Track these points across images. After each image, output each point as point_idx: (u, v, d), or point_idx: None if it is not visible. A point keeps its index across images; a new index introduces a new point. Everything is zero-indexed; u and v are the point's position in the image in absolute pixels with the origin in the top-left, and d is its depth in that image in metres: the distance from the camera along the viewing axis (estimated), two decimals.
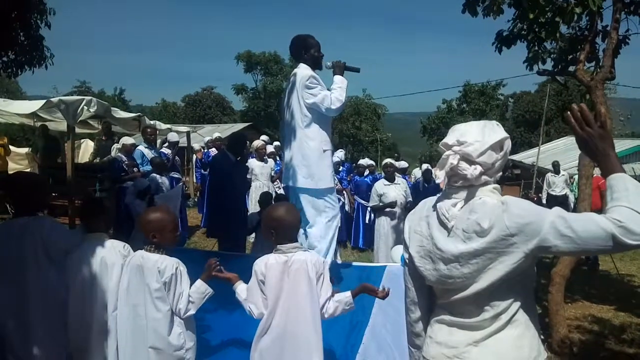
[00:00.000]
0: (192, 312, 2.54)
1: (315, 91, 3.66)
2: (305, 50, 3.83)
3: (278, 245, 2.43)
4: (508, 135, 1.60)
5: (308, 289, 2.36)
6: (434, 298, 1.72)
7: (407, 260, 1.75)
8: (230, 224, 4.95)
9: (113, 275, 2.66)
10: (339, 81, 3.76)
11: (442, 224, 1.59)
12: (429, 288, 1.70)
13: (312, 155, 3.71)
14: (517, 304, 1.55)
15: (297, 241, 2.48)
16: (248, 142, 9.43)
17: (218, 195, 5.21)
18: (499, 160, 1.58)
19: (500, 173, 1.62)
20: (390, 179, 6.69)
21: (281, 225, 2.42)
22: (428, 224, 1.65)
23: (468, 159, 1.56)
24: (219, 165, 5.39)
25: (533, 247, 1.45)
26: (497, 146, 1.57)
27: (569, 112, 1.52)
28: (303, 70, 3.76)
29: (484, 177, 1.57)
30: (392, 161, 7.16)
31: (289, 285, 2.36)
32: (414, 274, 1.72)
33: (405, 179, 7.99)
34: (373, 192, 6.73)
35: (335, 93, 3.68)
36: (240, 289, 2.52)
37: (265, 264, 2.40)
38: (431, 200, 1.73)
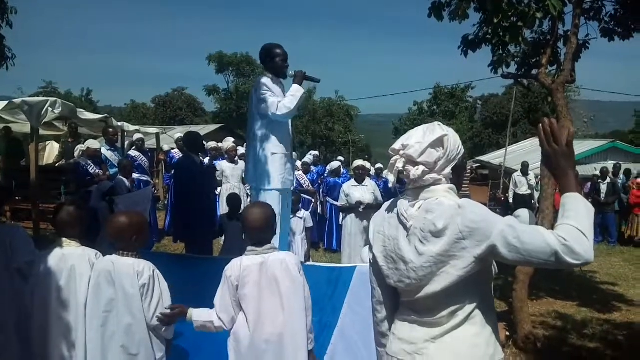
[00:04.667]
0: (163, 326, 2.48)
1: (265, 97, 3.89)
2: (270, 58, 4.05)
3: (250, 247, 2.40)
4: (447, 133, 1.64)
5: (293, 288, 2.34)
6: (398, 297, 1.75)
7: (371, 261, 1.78)
8: (197, 227, 4.90)
9: (82, 284, 2.57)
10: (294, 90, 3.94)
11: (402, 224, 1.63)
12: (394, 288, 1.72)
13: (258, 155, 3.98)
14: (474, 303, 1.59)
15: (270, 242, 2.45)
16: (219, 143, 9.40)
17: (185, 198, 5.13)
18: (441, 159, 1.62)
19: (449, 171, 1.64)
20: (359, 181, 6.74)
21: (250, 225, 2.41)
22: (390, 225, 1.69)
23: (412, 161, 1.62)
24: (185, 168, 5.30)
25: (481, 252, 1.50)
26: (437, 144, 1.62)
27: (540, 125, 1.57)
28: (259, 78, 4.04)
29: (430, 176, 1.61)
30: (363, 163, 7.19)
31: (269, 287, 2.32)
32: (378, 274, 1.75)
33: (375, 180, 8.02)
34: (341, 192, 6.83)
35: (284, 100, 3.87)
36: (197, 314, 2.44)
37: (240, 267, 2.35)
38: (394, 201, 1.76)
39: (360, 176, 6.80)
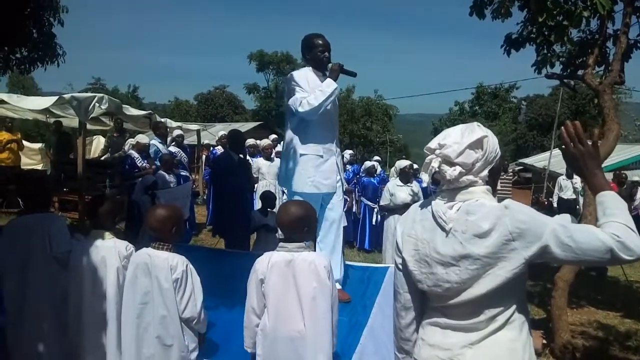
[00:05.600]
0: (195, 319, 2.57)
1: (292, 92, 3.61)
2: (308, 50, 3.74)
3: (281, 243, 2.40)
4: (487, 135, 1.60)
5: (320, 290, 2.30)
6: (425, 302, 1.71)
7: (399, 265, 1.73)
8: (234, 223, 4.97)
9: (110, 275, 2.68)
10: (325, 85, 3.57)
11: (440, 227, 1.59)
12: (422, 292, 1.68)
13: (289, 157, 3.72)
14: (514, 306, 1.56)
15: (301, 242, 2.42)
16: (257, 141, 9.53)
17: (222, 194, 5.19)
18: (479, 160, 1.59)
19: (486, 173, 1.61)
20: (405, 181, 6.61)
21: (279, 221, 2.44)
22: (423, 227, 1.64)
23: (448, 161, 1.58)
24: (222, 165, 5.39)
25: (532, 253, 1.47)
26: (476, 145, 1.58)
27: (562, 128, 1.58)
28: (291, 73, 3.75)
29: (467, 178, 1.58)
30: (411, 163, 7.03)
31: (294, 285, 2.31)
32: (407, 278, 1.70)
33: (419, 182, 7.86)
34: (385, 191, 6.70)
35: (311, 96, 3.52)
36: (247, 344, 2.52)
37: (268, 262, 2.36)
38: (423, 203, 1.72)
39: (409, 176, 6.66)
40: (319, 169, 3.68)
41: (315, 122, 3.65)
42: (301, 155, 3.66)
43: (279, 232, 5.31)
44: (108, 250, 2.73)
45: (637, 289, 7.34)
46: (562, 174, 12.06)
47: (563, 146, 1.59)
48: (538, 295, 5.88)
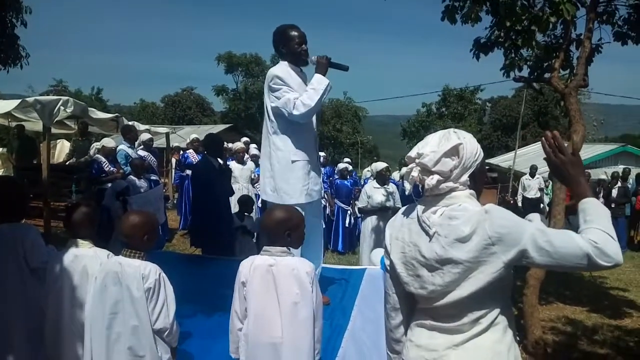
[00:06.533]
0: (167, 330, 2.48)
1: (279, 93, 3.25)
2: (283, 43, 3.37)
3: (265, 246, 2.37)
4: (462, 142, 1.62)
5: (302, 296, 2.27)
6: (414, 303, 1.73)
7: (388, 267, 1.76)
8: (217, 231, 4.79)
9: (92, 285, 2.59)
10: (316, 82, 3.24)
11: (424, 231, 1.61)
12: (410, 294, 1.71)
13: (279, 166, 3.37)
14: (497, 309, 1.59)
15: (284, 246, 2.37)
16: (228, 143, 9.43)
17: (205, 203, 4.91)
18: (457, 167, 1.61)
19: (465, 178, 1.62)
20: (382, 183, 6.68)
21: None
22: (409, 231, 1.67)
23: (426, 170, 1.61)
24: (205, 172, 5.10)
25: (511, 257, 1.50)
26: (452, 153, 1.60)
27: (543, 139, 1.62)
28: (272, 70, 3.39)
29: (446, 185, 1.60)
30: (387, 165, 7.17)
31: (274, 290, 2.28)
32: (395, 280, 1.73)
33: (395, 184, 7.90)
34: (362, 193, 6.79)
35: (304, 95, 3.20)
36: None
37: (251, 265, 2.33)
38: (410, 207, 1.75)
39: (385, 178, 6.73)
40: (309, 175, 3.42)
41: (304, 125, 3.36)
42: (293, 162, 3.35)
43: (255, 236, 5.31)
44: (89, 259, 2.63)
45: (601, 284, 7.61)
46: (526, 174, 12.43)
47: (545, 157, 1.63)
48: None
